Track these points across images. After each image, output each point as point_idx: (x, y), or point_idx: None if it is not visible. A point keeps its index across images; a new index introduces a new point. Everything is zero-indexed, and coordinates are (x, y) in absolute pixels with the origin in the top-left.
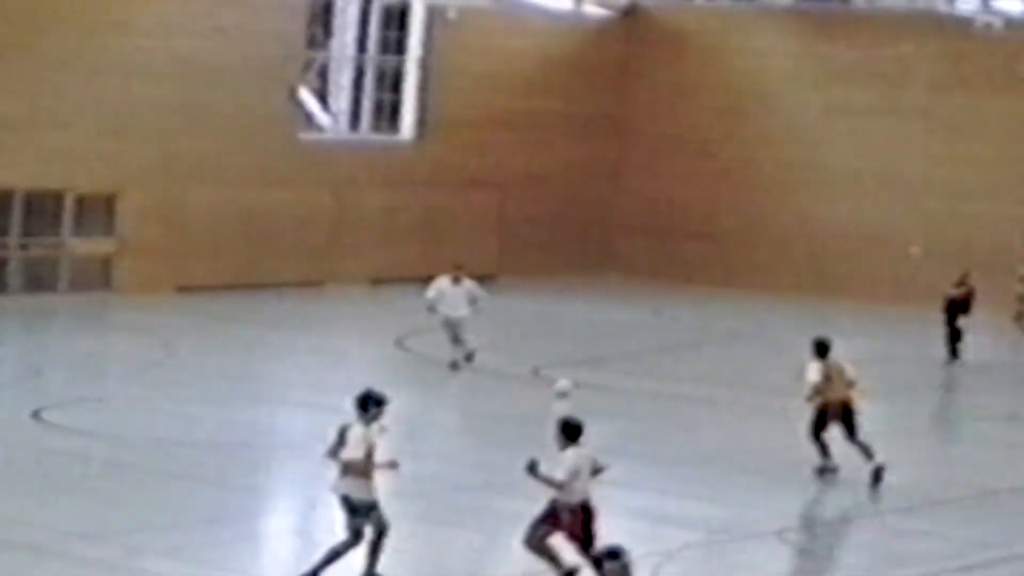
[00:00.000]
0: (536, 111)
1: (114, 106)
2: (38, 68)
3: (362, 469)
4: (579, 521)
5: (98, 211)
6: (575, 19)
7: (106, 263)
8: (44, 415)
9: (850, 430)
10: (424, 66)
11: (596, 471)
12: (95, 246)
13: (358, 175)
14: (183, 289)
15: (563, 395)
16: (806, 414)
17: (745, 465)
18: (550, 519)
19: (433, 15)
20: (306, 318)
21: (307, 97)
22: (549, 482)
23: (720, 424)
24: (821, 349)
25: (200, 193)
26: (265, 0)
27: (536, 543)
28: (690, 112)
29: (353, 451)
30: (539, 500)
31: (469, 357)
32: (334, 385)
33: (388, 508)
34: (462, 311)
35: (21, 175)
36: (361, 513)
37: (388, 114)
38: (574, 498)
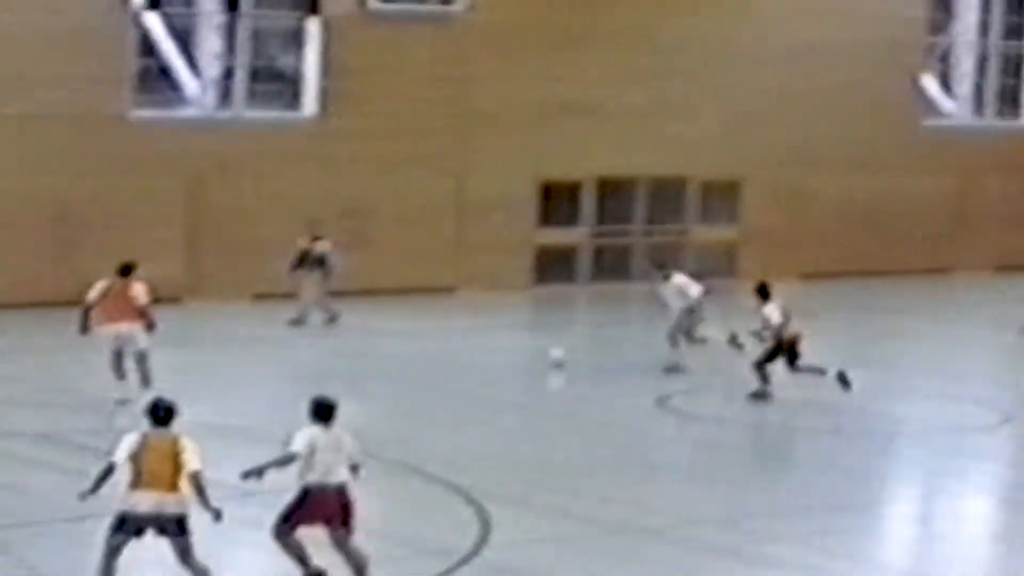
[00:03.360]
0: None
1: (738, 93)
2: (662, 56)
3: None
4: (337, 505)
5: (722, 198)
6: None
7: (730, 250)
8: (670, 402)
9: (792, 360)
10: None
11: (354, 467)
12: (719, 233)
13: (981, 161)
14: (806, 276)
15: (558, 365)
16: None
17: None
18: (300, 506)
19: None
20: (930, 306)
21: (929, 83)
22: (281, 463)
23: None
24: (764, 291)
25: (822, 180)
26: None
27: (283, 536)
28: None
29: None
30: None
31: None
32: (960, 373)
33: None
34: None
35: (645, 163)
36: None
37: (1010, 100)
38: (327, 479)
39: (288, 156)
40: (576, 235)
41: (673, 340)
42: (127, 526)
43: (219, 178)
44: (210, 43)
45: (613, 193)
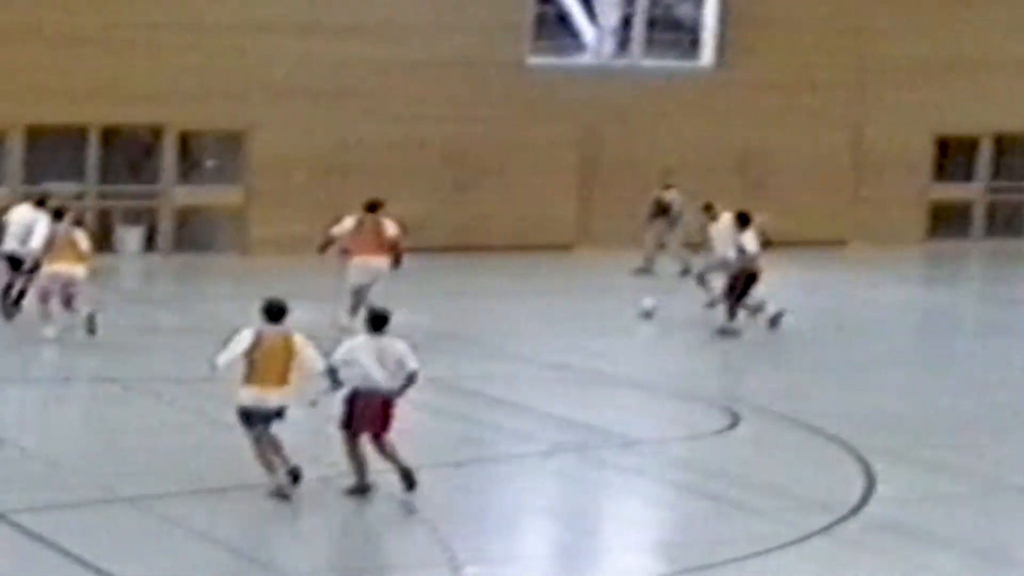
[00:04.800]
0: None
1: None
2: None
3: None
4: (380, 413)
5: None
6: None
7: None
8: None
9: (743, 294)
10: None
11: (410, 377)
12: None
13: None
14: None
15: (648, 315)
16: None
17: None
18: (351, 409)
19: None
20: None
21: None
22: (329, 374)
23: None
24: (744, 219)
25: None
26: None
27: (348, 442)
28: None
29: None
30: None
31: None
32: None
33: None
34: None
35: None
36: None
37: None
38: (369, 384)
39: (684, 106)
40: (971, 191)
41: (715, 296)
42: (250, 419)
43: (613, 127)
44: None
45: (1010, 149)
